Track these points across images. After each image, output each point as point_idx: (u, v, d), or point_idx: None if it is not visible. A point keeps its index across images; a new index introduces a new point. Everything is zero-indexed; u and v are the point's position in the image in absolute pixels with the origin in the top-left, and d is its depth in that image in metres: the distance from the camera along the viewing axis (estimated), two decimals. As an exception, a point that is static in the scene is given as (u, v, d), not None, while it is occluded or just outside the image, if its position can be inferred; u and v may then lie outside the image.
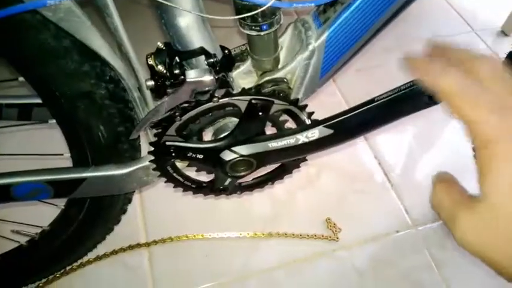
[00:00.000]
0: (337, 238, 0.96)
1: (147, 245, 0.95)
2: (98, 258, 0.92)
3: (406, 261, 0.96)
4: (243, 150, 0.54)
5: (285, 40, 0.57)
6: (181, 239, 0.95)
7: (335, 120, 0.53)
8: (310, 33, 0.52)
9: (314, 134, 0.53)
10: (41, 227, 0.77)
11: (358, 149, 1.14)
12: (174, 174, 0.58)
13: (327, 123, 0.53)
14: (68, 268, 0.90)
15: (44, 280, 0.89)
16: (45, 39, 0.49)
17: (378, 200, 1.05)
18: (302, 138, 0.53)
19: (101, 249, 0.91)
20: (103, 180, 0.59)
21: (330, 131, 0.53)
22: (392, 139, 1.18)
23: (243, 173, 0.58)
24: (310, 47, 0.52)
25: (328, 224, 0.98)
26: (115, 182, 0.60)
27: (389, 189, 1.07)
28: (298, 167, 0.63)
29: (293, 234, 0.96)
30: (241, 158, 0.54)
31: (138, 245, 0.94)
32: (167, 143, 0.53)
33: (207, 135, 0.59)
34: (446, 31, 1.49)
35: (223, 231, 0.97)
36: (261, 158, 0.55)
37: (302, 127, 0.54)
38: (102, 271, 0.92)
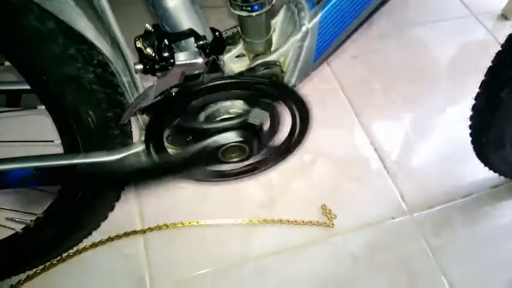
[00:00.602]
0: (333, 224, 0.96)
1: (143, 232, 0.94)
2: (94, 245, 0.92)
3: (402, 248, 0.95)
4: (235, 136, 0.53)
5: (277, 22, 0.56)
6: (177, 226, 0.95)
7: None
8: (303, 15, 0.51)
9: None
10: (35, 214, 0.76)
11: (354, 135, 1.14)
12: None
13: None
14: (64, 255, 0.90)
15: (41, 267, 0.89)
16: (28, 21, 0.48)
17: (373, 187, 1.04)
18: None
19: (97, 236, 0.91)
20: (94, 167, 0.58)
21: None
22: (388, 126, 1.17)
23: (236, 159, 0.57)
24: (304, 29, 0.51)
25: (323, 210, 0.98)
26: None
27: (385, 175, 1.06)
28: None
29: (288, 221, 0.96)
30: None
31: (134, 232, 0.94)
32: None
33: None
34: (445, 15, 1.46)
35: (219, 218, 0.96)
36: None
37: None
38: (98, 258, 0.92)
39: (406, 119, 1.18)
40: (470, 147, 0.93)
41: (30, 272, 0.88)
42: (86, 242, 0.91)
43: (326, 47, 0.53)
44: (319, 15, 0.50)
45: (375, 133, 1.14)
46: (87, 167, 0.59)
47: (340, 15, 0.50)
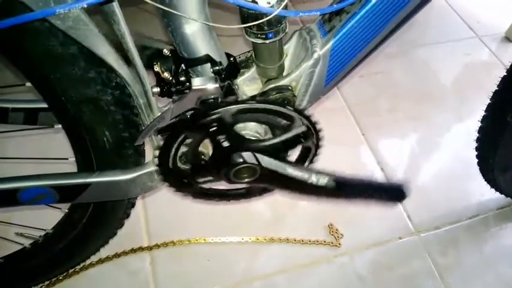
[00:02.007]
0: (339, 244, 0.96)
1: (150, 248, 0.95)
2: (101, 261, 0.93)
3: (409, 268, 0.95)
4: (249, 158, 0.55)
5: (289, 48, 0.57)
6: (184, 243, 0.96)
7: (344, 180, 0.58)
8: (315, 42, 0.52)
9: (323, 181, 0.57)
10: (45, 230, 0.77)
11: (360, 154, 1.15)
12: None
13: (336, 178, 0.57)
14: (70, 271, 0.90)
15: (47, 283, 0.89)
16: (52, 46, 0.49)
17: (380, 207, 1.05)
18: (313, 178, 0.55)
19: (103, 252, 0.91)
20: (108, 186, 0.60)
21: (334, 185, 0.56)
22: (395, 145, 1.18)
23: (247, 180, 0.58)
24: (315, 55, 0.52)
25: (330, 229, 0.98)
26: (119, 188, 0.60)
27: (392, 195, 1.07)
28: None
29: (295, 240, 0.96)
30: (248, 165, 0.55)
31: (141, 249, 0.95)
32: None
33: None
34: (450, 37, 1.49)
35: (225, 235, 0.97)
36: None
37: (318, 170, 0.56)
38: (104, 274, 0.92)
39: (412, 138, 1.20)
40: (476, 167, 0.94)
41: (36, 288, 0.89)
42: (93, 258, 0.91)
43: (337, 73, 0.55)
44: (331, 42, 0.52)
45: (381, 152, 1.15)
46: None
47: (351, 43, 0.51)
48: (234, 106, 0.50)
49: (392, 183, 0.67)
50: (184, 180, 0.60)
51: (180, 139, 0.53)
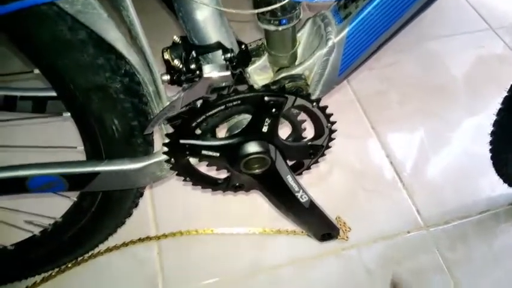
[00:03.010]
0: (347, 237, 0.95)
1: (157, 238, 0.95)
2: (109, 249, 0.93)
3: (416, 262, 0.95)
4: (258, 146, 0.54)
5: (303, 35, 0.56)
6: (191, 233, 0.95)
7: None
8: (329, 29, 0.51)
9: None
10: (54, 218, 0.77)
11: (369, 147, 1.13)
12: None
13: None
14: (79, 259, 0.91)
15: (56, 270, 0.89)
16: (61, 31, 0.48)
17: (389, 200, 1.04)
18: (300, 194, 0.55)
19: (111, 241, 0.91)
20: (116, 175, 0.59)
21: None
22: (404, 138, 1.17)
23: (257, 171, 0.57)
24: (330, 43, 0.51)
25: (338, 222, 0.97)
26: (128, 177, 0.60)
27: (400, 188, 1.06)
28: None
29: (302, 232, 0.96)
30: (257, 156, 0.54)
31: (148, 238, 0.95)
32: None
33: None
34: (463, 29, 1.46)
35: (233, 226, 0.96)
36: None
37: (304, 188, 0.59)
38: (112, 263, 0.92)
39: (422, 131, 1.18)
40: (487, 162, 0.92)
41: (46, 275, 0.89)
42: (101, 247, 0.92)
43: (352, 61, 0.53)
44: (346, 30, 0.50)
45: (390, 145, 1.13)
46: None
47: (367, 30, 0.50)
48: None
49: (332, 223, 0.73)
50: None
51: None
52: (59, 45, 0.50)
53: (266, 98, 0.50)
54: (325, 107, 0.55)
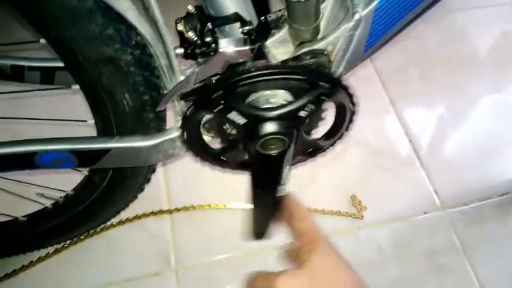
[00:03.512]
0: (362, 216, 0.94)
1: (170, 212, 0.94)
2: (121, 222, 0.93)
3: (432, 243, 0.93)
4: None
5: (326, 7, 0.52)
6: (204, 208, 0.95)
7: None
8: (356, 1, 0.47)
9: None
10: (65, 191, 0.76)
11: (388, 125, 1.09)
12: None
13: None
14: (91, 231, 0.91)
15: (68, 241, 0.90)
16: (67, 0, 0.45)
17: (406, 179, 1.01)
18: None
19: (124, 214, 0.90)
20: (128, 152, 0.57)
21: None
22: (424, 115, 1.13)
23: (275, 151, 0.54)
24: (357, 16, 0.47)
25: (353, 201, 0.95)
26: (140, 154, 0.58)
27: (419, 168, 1.03)
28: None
29: (316, 210, 0.94)
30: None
31: (161, 212, 0.94)
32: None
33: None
34: (488, 2, 1.37)
35: (246, 202, 0.95)
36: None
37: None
38: (124, 235, 0.92)
39: (443, 108, 1.13)
40: (510, 142, 0.88)
41: (58, 246, 0.90)
42: (113, 219, 0.91)
43: (379, 37, 0.49)
44: (375, 2, 0.46)
45: (409, 123, 1.09)
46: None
47: (398, 4, 0.45)
48: None
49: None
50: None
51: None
52: (65, 14, 0.47)
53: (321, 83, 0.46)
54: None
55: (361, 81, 1.16)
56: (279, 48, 0.55)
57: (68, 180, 0.74)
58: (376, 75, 1.17)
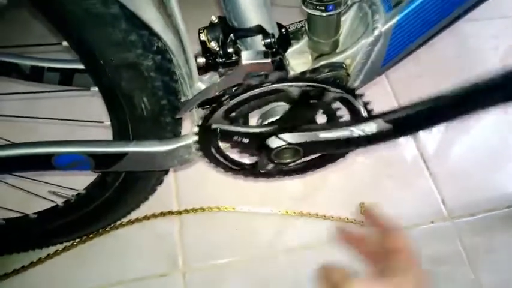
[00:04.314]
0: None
1: (179, 213, 0.95)
2: (130, 222, 0.93)
3: (438, 253, 0.93)
4: (291, 138, 0.51)
5: (346, 21, 0.52)
6: (213, 210, 0.95)
7: (397, 115, 0.49)
8: (377, 17, 0.47)
9: (372, 128, 0.49)
10: (77, 190, 0.77)
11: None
12: (217, 156, 0.56)
13: (388, 118, 0.49)
14: (100, 230, 0.92)
15: (77, 240, 0.91)
16: (92, 4, 0.46)
17: (414, 188, 1.01)
18: (357, 131, 0.49)
19: (133, 213, 0.91)
20: (144, 156, 0.58)
21: (389, 126, 0.49)
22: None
23: (288, 160, 0.55)
24: (376, 32, 0.47)
25: (361, 208, 0.96)
26: (156, 159, 0.59)
27: (427, 177, 1.03)
28: (344, 157, 0.60)
29: (324, 216, 0.95)
30: (288, 146, 0.52)
31: (170, 213, 0.95)
32: (213, 126, 0.50)
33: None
34: (504, 13, 1.37)
35: (255, 206, 0.96)
36: (310, 148, 0.52)
37: (358, 119, 0.51)
38: (133, 235, 0.93)
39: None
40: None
41: (67, 244, 0.91)
42: (122, 219, 0.92)
43: (397, 53, 0.50)
44: (395, 19, 0.46)
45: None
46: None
47: (418, 21, 0.46)
48: None
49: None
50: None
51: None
52: (90, 19, 0.48)
53: (309, 90, 0.47)
54: None
55: (372, 87, 1.17)
56: (297, 59, 0.56)
57: (81, 179, 0.75)
58: (387, 82, 1.17)
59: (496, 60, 1.26)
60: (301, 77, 0.47)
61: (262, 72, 0.45)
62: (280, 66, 0.47)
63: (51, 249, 0.90)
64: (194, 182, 0.99)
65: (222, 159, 0.58)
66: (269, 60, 0.44)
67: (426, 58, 1.23)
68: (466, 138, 1.10)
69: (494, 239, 0.96)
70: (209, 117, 0.50)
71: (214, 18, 0.48)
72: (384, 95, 1.15)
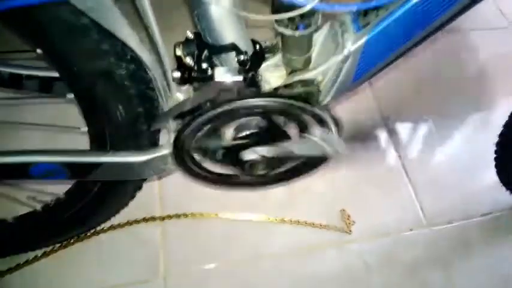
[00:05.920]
0: (350, 231, 0.96)
1: (162, 219, 0.95)
2: (112, 227, 0.93)
3: (416, 260, 0.95)
4: (265, 151, 0.53)
5: (318, 39, 0.54)
6: (196, 216, 0.96)
7: None
8: (347, 36, 0.49)
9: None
10: (57, 195, 0.77)
11: (379, 141, 1.12)
12: (193, 167, 0.57)
13: None
14: (82, 235, 0.92)
15: (58, 245, 0.90)
16: (63, 16, 0.46)
17: (394, 195, 1.03)
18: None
19: (115, 219, 0.91)
20: (120, 166, 0.59)
21: None
22: (415, 133, 1.15)
23: (262, 172, 0.56)
24: (346, 51, 0.49)
25: (342, 215, 0.97)
26: (132, 168, 0.59)
27: (407, 184, 1.05)
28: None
29: (306, 223, 0.96)
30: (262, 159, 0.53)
31: (153, 219, 0.95)
32: (187, 139, 0.51)
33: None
34: (483, 25, 1.40)
35: (238, 212, 0.97)
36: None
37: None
38: (115, 241, 0.93)
39: (433, 128, 1.16)
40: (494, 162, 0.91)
41: (47, 249, 0.90)
42: (104, 224, 0.92)
43: (366, 70, 0.51)
44: (364, 39, 0.48)
45: (400, 139, 1.12)
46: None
47: (386, 42, 0.47)
48: None
49: None
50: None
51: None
52: (61, 30, 0.48)
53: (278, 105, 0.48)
54: None
55: (354, 95, 1.19)
56: (272, 72, 0.57)
57: (60, 185, 0.75)
58: (370, 90, 1.19)
59: (476, 72, 1.29)
60: (267, 93, 0.48)
61: (235, 88, 0.47)
62: (253, 82, 0.48)
63: (31, 254, 0.89)
64: (178, 188, 0.99)
65: (197, 170, 0.59)
66: (241, 78, 0.45)
67: (407, 65, 1.25)
68: (445, 147, 1.13)
69: (471, 247, 0.98)
70: (183, 130, 0.51)
71: (189, 34, 0.49)
72: (365, 100, 1.17)
